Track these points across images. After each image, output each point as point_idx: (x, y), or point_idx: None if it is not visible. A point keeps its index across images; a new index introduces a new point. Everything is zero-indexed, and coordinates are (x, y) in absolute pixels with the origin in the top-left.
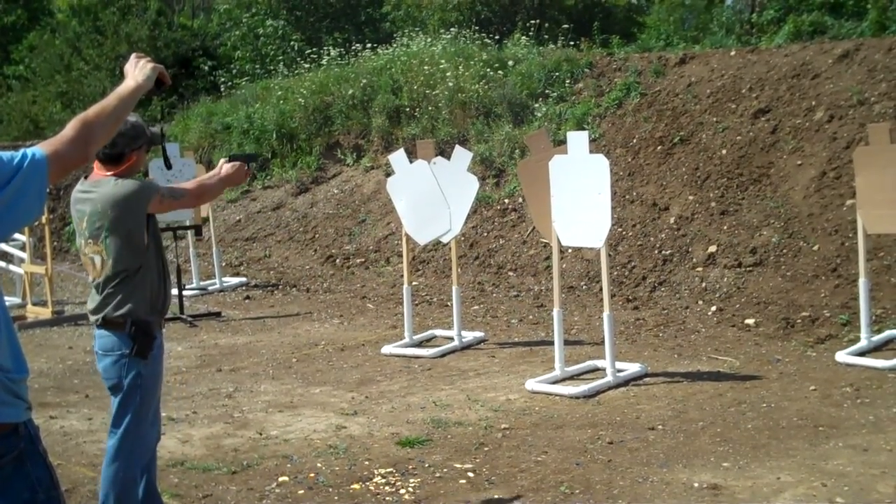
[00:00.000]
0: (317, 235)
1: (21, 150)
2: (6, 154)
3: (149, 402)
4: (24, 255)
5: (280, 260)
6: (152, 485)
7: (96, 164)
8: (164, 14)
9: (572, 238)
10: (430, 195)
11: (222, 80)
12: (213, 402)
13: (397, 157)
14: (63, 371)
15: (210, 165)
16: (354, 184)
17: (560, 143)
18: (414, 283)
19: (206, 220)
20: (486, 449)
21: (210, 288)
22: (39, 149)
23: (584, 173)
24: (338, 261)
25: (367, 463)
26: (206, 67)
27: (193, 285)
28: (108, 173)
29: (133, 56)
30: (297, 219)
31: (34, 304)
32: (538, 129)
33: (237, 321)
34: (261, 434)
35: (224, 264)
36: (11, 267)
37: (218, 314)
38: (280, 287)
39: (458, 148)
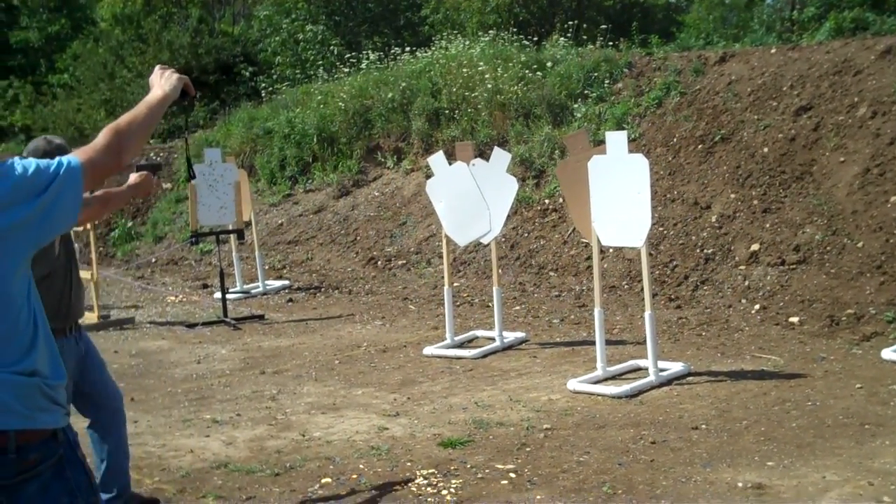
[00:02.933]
0: (358, 238)
1: (57, 158)
2: (43, 162)
3: None
4: None
5: (322, 262)
6: (116, 458)
7: None
8: (205, 21)
9: (612, 238)
10: (470, 197)
11: (263, 85)
12: (256, 405)
13: (436, 160)
14: None
15: (251, 170)
16: (395, 186)
17: (600, 143)
18: (455, 284)
19: (248, 223)
20: (527, 449)
21: (253, 291)
22: (74, 157)
23: (624, 173)
24: (379, 263)
25: (409, 464)
26: (247, 73)
27: (237, 289)
28: None
29: (158, 67)
30: (338, 221)
31: None
32: (578, 129)
33: (280, 324)
34: (304, 436)
35: (267, 267)
36: None
37: (261, 317)
38: (322, 289)
39: (496, 149)
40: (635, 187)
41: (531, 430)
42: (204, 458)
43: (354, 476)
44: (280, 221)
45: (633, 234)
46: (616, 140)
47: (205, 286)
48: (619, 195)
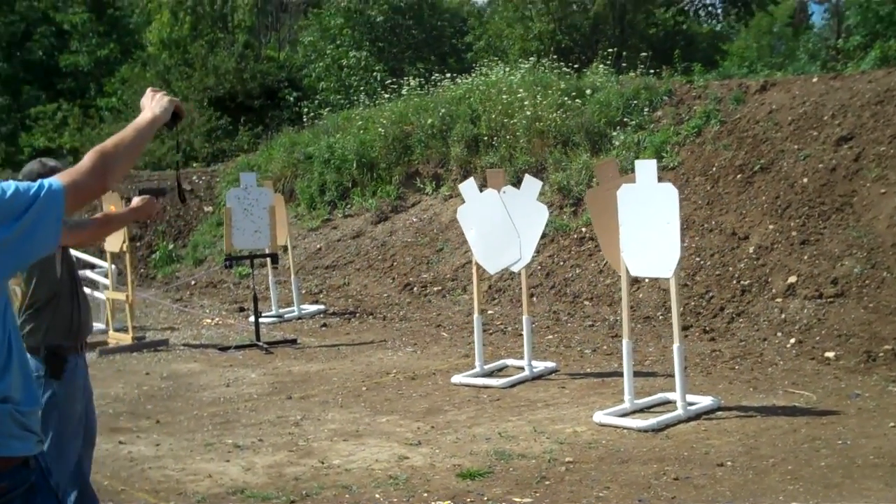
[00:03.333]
0: (395, 263)
1: (38, 181)
2: (23, 184)
3: (67, 417)
4: (108, 282)
5: (359, 288)
6: (87, 486)
7: None
8: (251, 46)
9: (641, 268)
10: (501, 224)
11: (305, 110)
12: (279, 430)
13: (467, 187)
14: (137, 397)
15: (291, 195)
16: (433, 212)
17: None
18: (489, 311)
19: (284, 248)
20: (547, 483)
21: (287, 315)
22: (56, 179)
23: (653, 202)
24: (415, 289)
25: (425, 495)
26: (292, 98)
27: (272, 312)
28: None
29: (150, 90)
30: (376, 247)
31: (116, 330)
32: (615, 157)
33: (312, 348)
34: (323, 463)
35: (304, 292)
36: (95, 293)
37: (294, 341)
38: (357, 315)
39: (527, 177)
40: (665, 217)
41: (553, 462)
42: (221, 484)
43: None
44: (318, 246)
45: (662, 264)
46: (646, 169)
47: (241, 309)
48: (648, 224)
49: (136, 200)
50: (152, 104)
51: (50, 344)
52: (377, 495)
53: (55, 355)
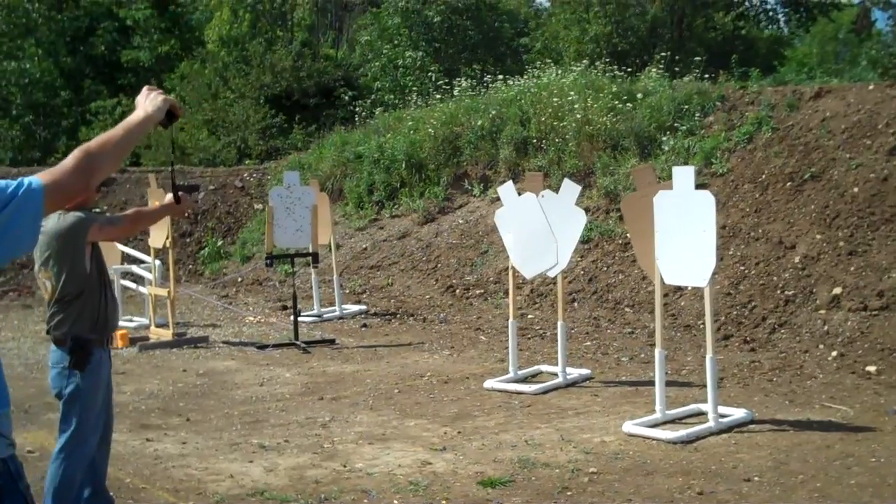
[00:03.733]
0: (439, 265)
1: (19, 179)
2: (2, 182)
3: (89, 409)
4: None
5: (402, 289)
6: (100, 484)
7: None
8: (308, 45)
9: (676, 276)
10: (538, 229)
11: (358, 109)
12: (306, 431)
13: (506, 190)
14: (171, 393)
15: (340, 194)
16: (479, 214)
17: None
18: (529, 315)
19: (329, 247)
20: (568, 493)
21: (328, 315)
22: (38, 178)
23: (689, 210)
24: (457, 291)
25: (444, 502)
26: (347, 97)
27: (314, 312)
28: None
29: (145, 88)
30: (421, 248)
31: (158, 326)
32: (664, 162)
33: (350, 349)
34: (345, 466)
35: (347, 291)
36: (140, 288)
37: (332, 341)
38: (398, 316)
39: (566, 181)
40: (701, 225)
41: (576, 472)
42: (242, 485)
43: None
44: (364, 246)
45: (697, 272)
46: (683, 175)
47: (284, 308)
48: (684, 232)
49: (168, 197)
50: (145, 103)
51: (76, 336)
52: (395, 501)
53: (81, 348)
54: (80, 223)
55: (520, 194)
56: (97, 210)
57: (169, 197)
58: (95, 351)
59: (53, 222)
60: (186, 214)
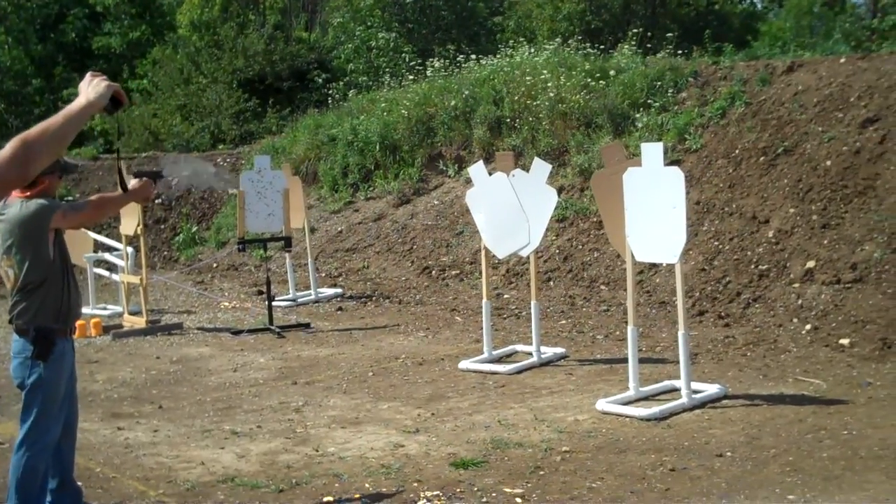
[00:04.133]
0: (415, 247)
1: None
2: None
3: (51, 399)
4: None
5: (378, 271)
6: (68, 475)
7: None
8: (281, 28)
9: (646, 253)
10: (509, 208)
11: (332, 91)
12: (279, 416)
13: (476, 170)
14: (144, 381)
15: (315, 177)
16: (454, 195)
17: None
18: (505, 295)
19: (303, 231)
20: (541, 473)
21: (303, 299)
22: None
23: (659, 186)
24: (433, 272)
25: (415, 485)
26: (320, 80)
27: (289, 296)
28: (25, 194)
29: (89, 74)
30: (396, 230)
31: (131, 314)
32: (638, 139)
33: (325, 332)
34: (317, 451)
35: (323, 275)
36: (113, 276)
37: (307, 325)
38: (374, 298)
39: (536, 160)
40: (671, 201)
41: (549, 452)
42: (213, 472)
43: (357, 496)
44: (339, 229)
45: (667, 249)
46: (652, 152)
47: (260, 293)
48: (654, 209)
49: (133, 183)
50: (88, 89)
51: (39, 326)
52: (367, 485)
53: (44, 338)
54: (43, 210)
55: (491, 174)
56: (70, 198)
57: (134, 182)
58: (59, 341)
59: (16, 210)
60: (159, 201)
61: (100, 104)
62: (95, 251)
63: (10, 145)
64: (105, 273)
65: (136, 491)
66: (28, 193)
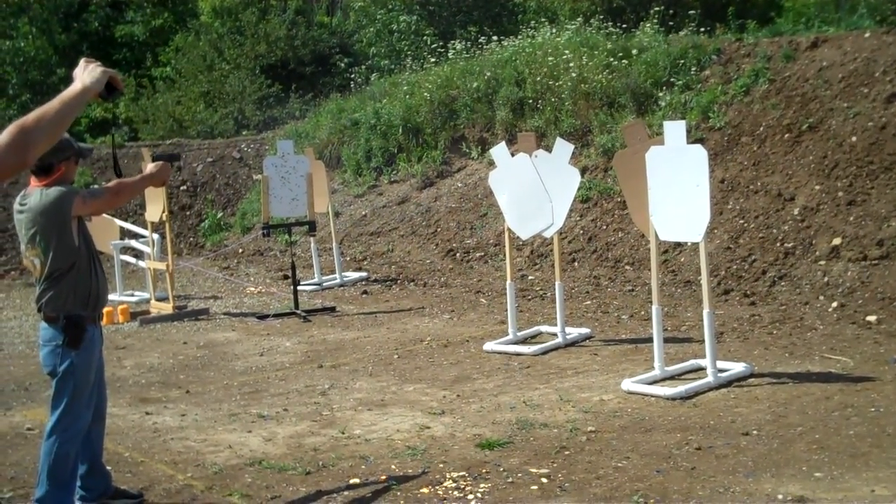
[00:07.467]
0: (439, 229)
1: None
2: None
3: (82, 386)
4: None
5: (402, 254)
6: (97, 460)
7: (31, 177)
8: (302, 13)
9: (670, 232)
10: (532, 189)
11: (354, 75)
12: (306, 399)
13: (499, 151)
14: (172, 366)
15: (338, 161)
16: (478, 177)
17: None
18: (530, 277)
19: (328, 215)
20: (566, 453)
21: (328, 283)
22: None
23: (682, 165)
24: (458, 255)
25: (441, 466)
26: (343, 65)
27: (314, 280)
28: (41, 184)
29: (83, 60)
30: (420, 213)
31: (158, 300)
32: (661, 118)
33: (350, 316)
34: (343, 433)
35: (348, 259)
36: (140, 263)
37: (332, 309)
38: (398, 282)
39: (559, 140)
40: (694, 180)
41: (575, 432)
42: (241, 455)
43: (384, 477)
44: (364, 213)
45: (691, 228)
46: (675, 130)
47: (285, 277)
48: (677, 188)
49: (150, 167)
50: (83, 75)
51: (70, 313)
52: (393, 466)
53: (75, 325)
54: (63, 196)
55: (514, 155)
56: (94, 186)
57: (151, 166)
58: (88, 328)
59: (36, 199)
60: (184, 188)
61: (95, 89)
62: (122, 238)
63: (8, 132)
64: (131, 260)
65: (165, 474)
66: (45, 181)
